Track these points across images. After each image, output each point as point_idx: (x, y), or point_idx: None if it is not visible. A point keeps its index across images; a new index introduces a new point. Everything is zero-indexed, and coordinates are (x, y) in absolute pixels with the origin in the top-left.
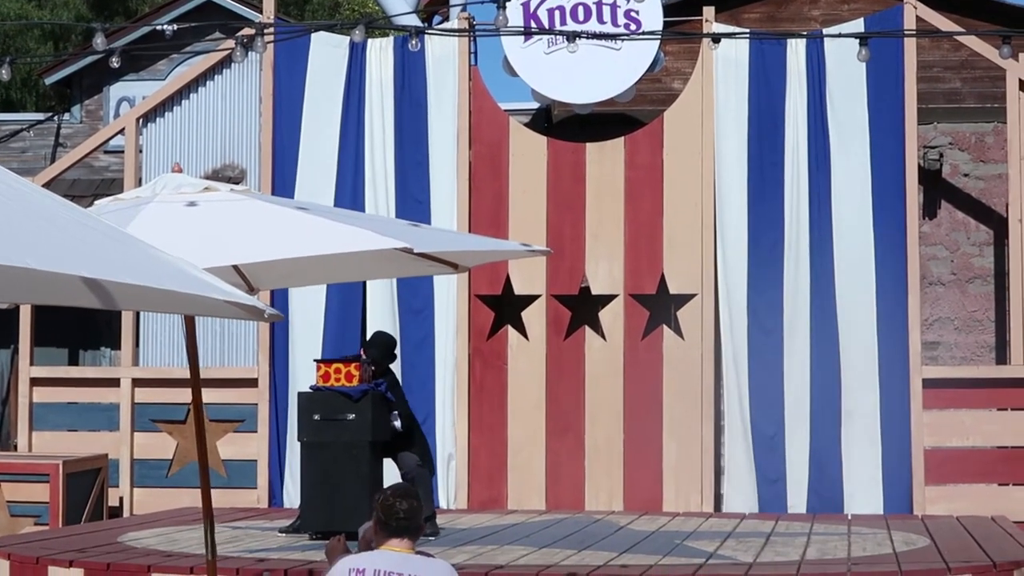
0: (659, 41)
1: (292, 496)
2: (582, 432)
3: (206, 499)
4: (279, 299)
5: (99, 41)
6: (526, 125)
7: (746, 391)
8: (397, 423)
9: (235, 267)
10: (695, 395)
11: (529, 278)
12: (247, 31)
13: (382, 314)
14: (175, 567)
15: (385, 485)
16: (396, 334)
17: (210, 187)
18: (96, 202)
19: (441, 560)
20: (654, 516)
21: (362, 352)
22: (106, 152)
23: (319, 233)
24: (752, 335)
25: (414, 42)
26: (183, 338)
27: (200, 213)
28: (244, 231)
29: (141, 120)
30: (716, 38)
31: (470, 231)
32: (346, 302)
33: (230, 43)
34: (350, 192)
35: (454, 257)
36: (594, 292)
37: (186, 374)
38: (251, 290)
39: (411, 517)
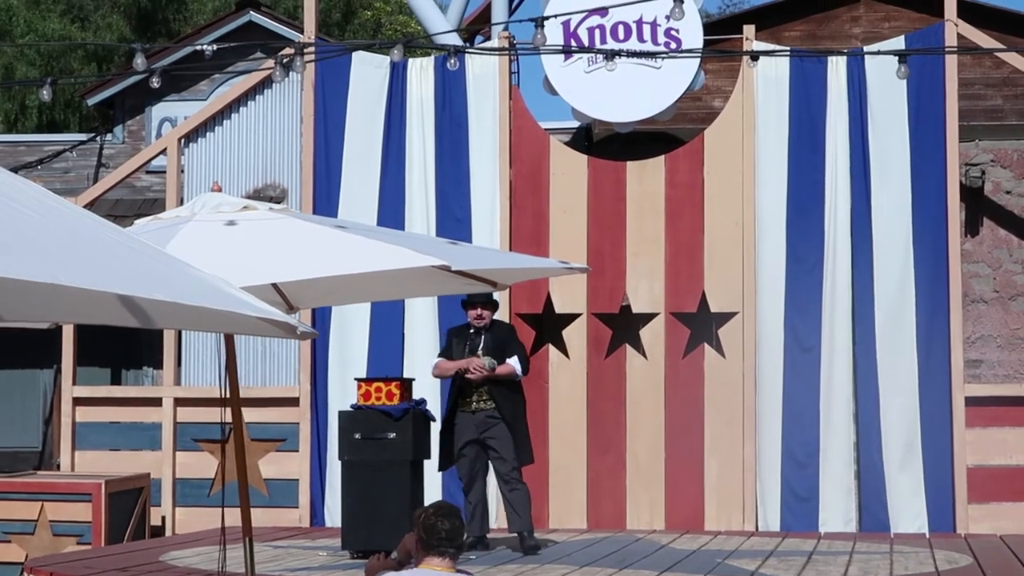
0: (699, 59)
1: (333, 515)
2: (623, 450)
3: (246, 517)
4: (321, 318)
5: (140, 61)
6: (566, 144)
7: (780, 409)
8: (492, 362)
9: (274, 286)
10: (736, 413)
11: (570, 296)
12: (287, 51)
13: (423, 333)
14: None
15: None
16: (437, 353)
17: (249, 206)
18: (136, 222)
19: None
20: (695, 535)
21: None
22: (148, 172)
23: (357, 251)
24: (790, 353)
25: (452, 61)
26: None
27: (239, 232)
28: (282, 249)
29: (183, 140)
30: (755, 56)
31: (511, 249)
32: (388, 321)
33: (271, 63)
34: (391, 211)
35: (492, 275)
36: (635, 310)
37: (228, 393)
38: (290, 309)
39: (453, 536)
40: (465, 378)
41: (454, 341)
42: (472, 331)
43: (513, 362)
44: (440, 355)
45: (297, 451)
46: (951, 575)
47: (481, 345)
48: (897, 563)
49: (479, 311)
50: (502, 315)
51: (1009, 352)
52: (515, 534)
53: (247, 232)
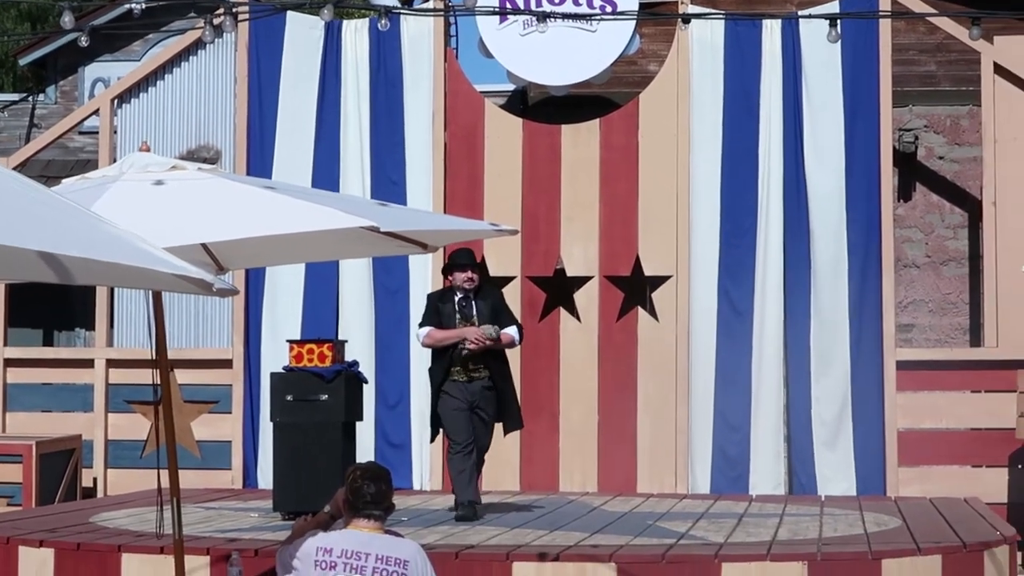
0: (634, 23)
1: (266, 476)
2: (556, 413)
3: (174, 479)
4: (255, 279)
5: (67, 19)
6: (502, 107)
7: (713, 372)
8: (493, 332)
9: (204, 246)
10: (669, 376)
11: (504, 260)
12: (217, 12)
13: (358, 294)
14: (145, 547)
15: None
16: (371, 315)
17: (177, 166)
18: (63, 181)
19: (409, 540)
20: (628, 497)
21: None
22: (81, 133)
23: (285, 211)
24: (723, 317)
25: (384, 22)
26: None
27: (167, 192)
28: (211, 210)
29: (116, 101)
30: (687, 18)
31: (445, 212)
32: (322, 282)
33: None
34: (326, 173)
35: (422, 236)
36: (569, 274)
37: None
38: (220, 269)
39: (379, 499)
40: (460, 347)
41: (440, 307)
42: (460, 296)
43: (512, 331)
44: (424, 323)
45: (230, 413)
46: (880, 536)
47: (475, 312)
48: (827, 525)
49: (469, 273)
50: (437, 276)
51: (940, 317)
52: (466, 501)
53: (175, 192)
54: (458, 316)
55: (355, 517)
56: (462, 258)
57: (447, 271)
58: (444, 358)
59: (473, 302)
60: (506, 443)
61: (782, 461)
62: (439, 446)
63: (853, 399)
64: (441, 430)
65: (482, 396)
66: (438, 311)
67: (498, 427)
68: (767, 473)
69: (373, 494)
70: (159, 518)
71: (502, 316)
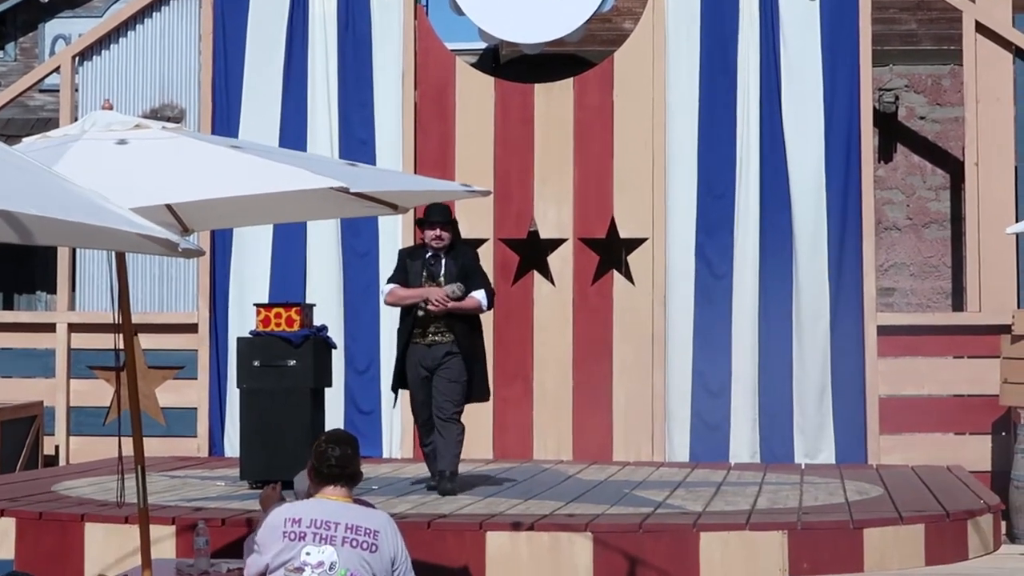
0: None
1: (233, 444)
2: (530, 379)
3: (138, 446)
4: (221, 241)
5: None
6: (473, 65)
7: (691, 337)
8: (458, 291)
9: (168, 207)
10: (645, 341)
11: (476, 222)
12: None
13: (326, 257)
14: (109, 516)
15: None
16: (340, 278)
17: (141, 124)
18: (24, 140)
19: (380, 510)
20: (603, 465)
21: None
22: (41, 91)
23: (251, 171)
24: (701, 280)
25: None
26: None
27: (130, 151)
28: (175, 169)
29: (77, 58)
30: None
31: (416, 173)
32: (290, 244)
33: None
34: (294, 132)
35: (392, 197)
36: (543, 236)
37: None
38: (185, 231)
39: (344, 464)
40: (422, 308)
41: (408, 264)
42: (429, 254)
43: (479, 296)
44: (391, 280)
45: (196, 379)
46: (861, 505)
47: (443, 272)
48: (807, 493)
49: (438, 231)
50: (407, 238)
51: (922, 280)
52: (436, 473)
53: (139, 151)
54: (424, 275)
55: (323, 485)
56: (434, 215)
57: (419, 225)
58: (408, 318)
59: (443, 261)
60: (479, 410)
61: (758, 428)
62: (407, 412)
63: (833, 365)
64: (401, 393)
65: (443, 360)
66: (406, 268)
67: None
68: (746, 441)
69: (338, 457)
70: (120, 487)
71: (473, 278)
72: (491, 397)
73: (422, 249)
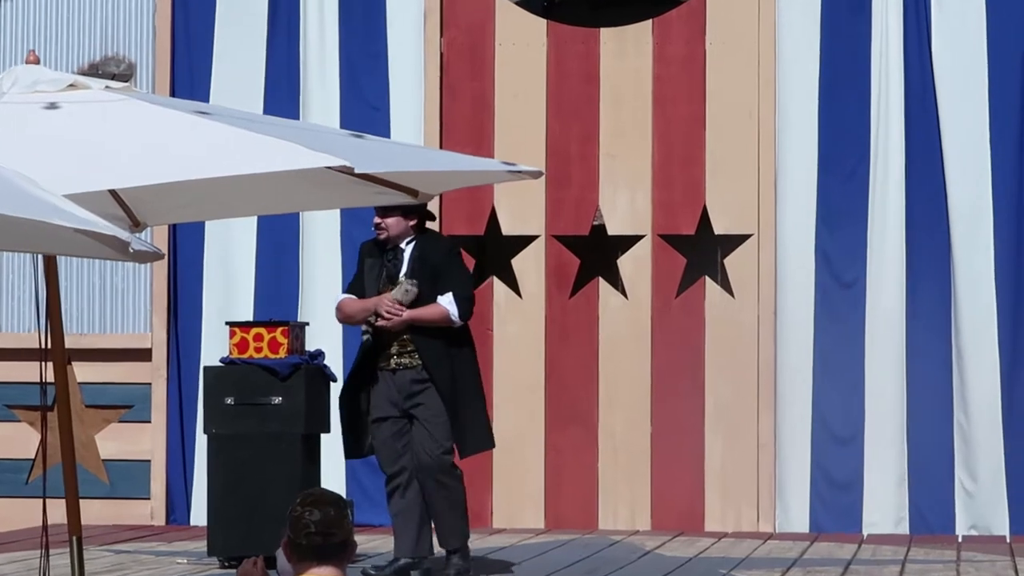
0: None
1: (198, 509)
2: (594, 422)
3: (73, 511)
4: (188, 240)
5: None
6: (518, 4)
7: (810, 365)
8: (411, 289)
9: (112, 193)
10: (748, 372)
11: (522, 213)
12: None
13: (324, 261)
14: None
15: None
16: (343, 289)
17: (77, 84)
18: None
19: None
20: (692, 537)
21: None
22: None
23: (225, 147)
24: (823, 290)
25: None
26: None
27: (62, 118)
28: (123, 144)
29: None
30: None
31: (442, 147)
32: (279, 245)
33: None
34: (283, 95)
35: (412, 180)
36: (611, 232)
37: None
38: (136, 225)
39: (328, 531)
40: (369, 325)
41: (367, 265)
42: (390, 248)
43: (444, 302)
44: (349, 288)
45: (149, 422)
46: None
47: (403, 270)
48: None
49: (376, 219)
50: None
51: None
52: (406, 559)
53: (74, 119)
54: (380, 277)
55: (305, 565)
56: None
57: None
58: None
59: (405, 257)
60: (526, 464)
61: (906, 488)
62: None
63: (1006, 403)
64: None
65: (411, 389)
66: (362, 271)
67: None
68: (886, 504)
69: (318, 522)
70: (44, 566)
71: (444, 279)
72: (494, 445)
73: (385, 243)
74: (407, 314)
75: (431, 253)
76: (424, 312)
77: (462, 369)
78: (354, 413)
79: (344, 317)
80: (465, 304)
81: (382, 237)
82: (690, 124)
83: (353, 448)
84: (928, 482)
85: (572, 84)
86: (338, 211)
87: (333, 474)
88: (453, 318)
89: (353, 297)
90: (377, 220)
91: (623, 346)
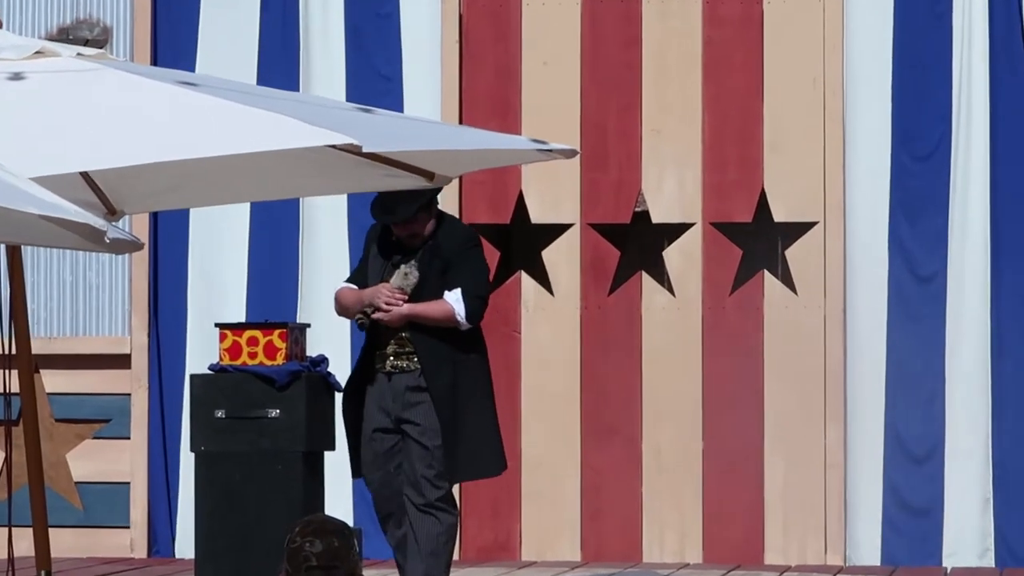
0: None
1: (184, 538)
2: (637, 439)
3: (42, 542)
4: (172, 229)
5: None
6: None
7: (883, 373)
8: (411, 273)
9: (85, 176)
10: (814, 382)
11: (554, 198)
12: None
13: (329, 253)
14: None
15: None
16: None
17: (45, 51)
18: None
19: None
20: (751, 571)
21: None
22: None
23: (214, 123)
24: (899, 285)
25: None
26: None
27: (28, 90)
28: (96, 120)
29: None
30: None
31: (461, 122)
32: (275, 236)
33: None
34: (280, 62)
35: (428, 161)
36: (655, 220)
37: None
38: (112, 213)
39: (330, 565)
40: (362, 315)
41: (372, 251)
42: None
43: (452, 299)
44: (351, 277)
45: (128, 438)
46: None
47: (416, 260)
48: None
49: (409, 228)
50: None
51: None
52: None
53: (42, 91)
54: (384, 268)
55: None
56: (390, 211)
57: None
58: (368, 336)
59: (418, 252)
60: (560, 487)
61: (992, 514)
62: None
63: None
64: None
65: (405, 399)
66: (367, 258)
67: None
68: (971, 533)
69: (320, 554)
70: None
71: (453, 269)
72: (505, 467)
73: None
74: (407, 307)
75: (445, 241)
76: (426, 308)
77: (466, 377)
78: (359, 423)
79: (341, 309)
80: (475, 304)
81: (418, 242)
82: (746, 96)
83: (357, 466)
84: (1017, 507)
85: (610, 50)
86: (344, 197)
87: (339, 498)
88: (459, 318)
89: (353, 287)
90: (403, 231)
91: (670, 351)
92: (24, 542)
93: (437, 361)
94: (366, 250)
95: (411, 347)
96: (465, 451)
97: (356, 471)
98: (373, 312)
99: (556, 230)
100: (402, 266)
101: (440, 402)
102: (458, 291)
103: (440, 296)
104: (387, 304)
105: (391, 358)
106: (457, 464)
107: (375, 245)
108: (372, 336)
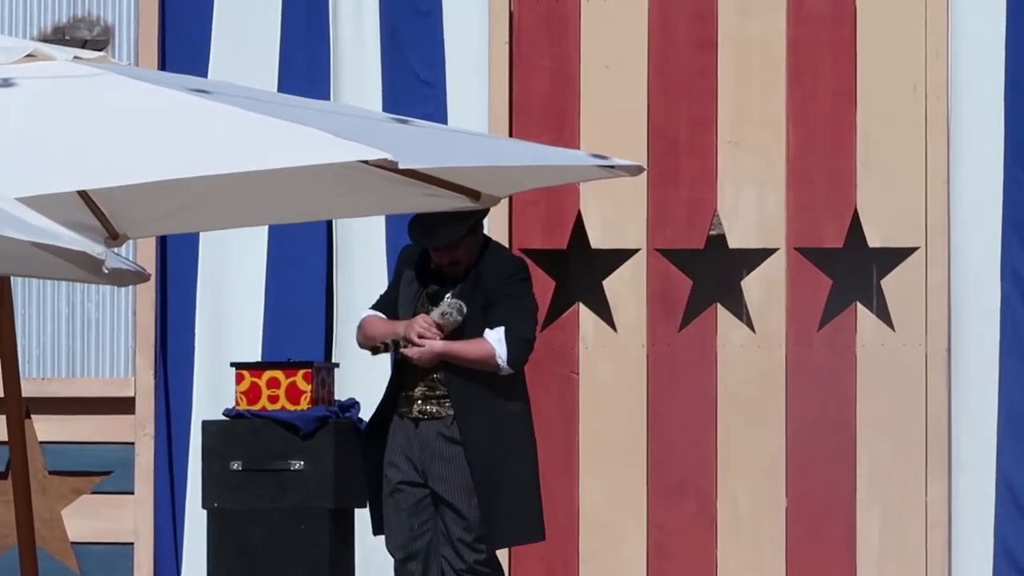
0: None
1: None
2: (711, 494)
3: None
4: (181, 256)
5: None
6: None
7: (994, 418)
8: (454, 313)
9: (83, 196)
10: (915, 427)
11: (617, 221)
12: None
13: (362, 282)
14: None
15: None
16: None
17: (38, 54)
18: None
19: None
20: None
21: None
22: None
23: (230, 136)
24: (1013, 319)
25: None
26: None
27: (20, 98)
28: (96, 132)
29: None
30: None
31: (511, 134)
32: (300, 265)
33: None
34: (305, 68)
35: (474, 179)
36: (732, 245)
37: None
38: (114, 238)
39: None
40: (385, 346)
41: (405, 277)
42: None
43: (494, 339)
44: (377, 304)
45: (131, 493)
46: None
47: (451, 293)
48: None
49: (451, 255)
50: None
51: None
52: None
53: (34, 99)
54: (418, 299)
55: None
56: (430, 236)
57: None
58: (394, 374)
59: (459, 285)
60: (623, 545)
61: None
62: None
63: None
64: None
65: (434, 449)
66: (399, 283)
67: None
68: None
69: None
70: None
71: (500, 307)
72: (543, 536)
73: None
74: (440, 345)
75: (489, 271)
76: (463, 348)
77: (505, 428)
78: (380, 473)
79: (365, 340)
80: (520, 347)
81: (459, 271)
82: (836, 104)
83: (381, 522)
84: None
85: (681, 52)
86: (381, 219)
87: (371, 560)
88: (499, 361)
89: (380, 316)
90: (443, 259)
91: (749, 394)
92: None
93: (473, 409)
94: (397, 274)
95: (443, 390)
96: (503, 515)
97: (378, 528)
98: (405, 346)
99: (619, 256)
100: (447, 298)
101: (475, 457)
102: (501, 330)
103: (480, 334)
104: (419, 337)
105: (419, 402)
106: (493, 529)
107: (410, 270)
108: (398, 375)
